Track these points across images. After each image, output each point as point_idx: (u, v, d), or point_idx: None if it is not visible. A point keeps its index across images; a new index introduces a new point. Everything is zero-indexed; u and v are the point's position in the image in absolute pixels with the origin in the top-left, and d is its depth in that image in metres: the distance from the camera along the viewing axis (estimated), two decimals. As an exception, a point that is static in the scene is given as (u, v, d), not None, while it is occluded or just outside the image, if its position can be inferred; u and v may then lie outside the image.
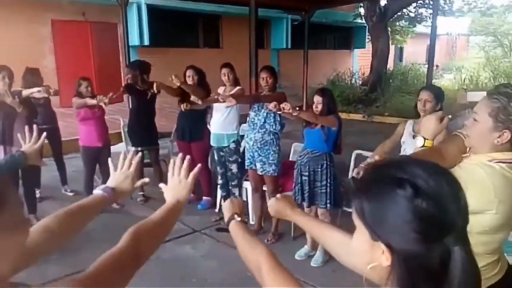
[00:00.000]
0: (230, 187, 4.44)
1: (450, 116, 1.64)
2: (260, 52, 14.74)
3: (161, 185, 1.26)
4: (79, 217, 1.10)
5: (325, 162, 3.40)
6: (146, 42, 10.93)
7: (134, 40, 10.47)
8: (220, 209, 4.63)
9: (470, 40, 24.59)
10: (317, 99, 3.39)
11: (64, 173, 5.29)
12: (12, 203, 0.75)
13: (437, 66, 21.36)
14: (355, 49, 18.62)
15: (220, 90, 4.35)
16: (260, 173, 3.85)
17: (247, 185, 4.35)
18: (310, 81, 10.03)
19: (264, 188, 4.06)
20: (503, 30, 19.68)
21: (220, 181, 4.52)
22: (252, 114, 3.94)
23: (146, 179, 1.35)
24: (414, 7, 14.76)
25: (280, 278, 0.92)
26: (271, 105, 3.38)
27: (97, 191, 1.18)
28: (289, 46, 14.59)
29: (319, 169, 3.41)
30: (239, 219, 1.20)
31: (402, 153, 2.99)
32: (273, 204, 1.37)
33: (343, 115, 10.58)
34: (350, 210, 3.06)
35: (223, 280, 3.34)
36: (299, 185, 3.52)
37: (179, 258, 3.68)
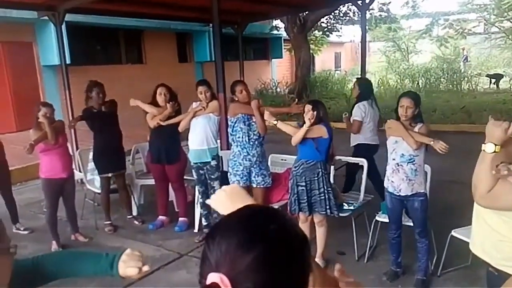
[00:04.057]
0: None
1: None
2: (184, 65, 14.62)
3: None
4: None
5: (320, 170, 3.50)
6: (68, 60, 10.22)
7: (54, 59, 9.80)
8: (200, 228, 4.51)
9: (371, 46, 26.78)
10: (308, 107, 3.50)
11: (15, 209, 4.76)
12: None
13: (345, 72, 23.00)
14: (272, 59, 19.28)
15: (194, 105, 4.29)
16: (260, 186, 3.85)
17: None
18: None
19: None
20: (399, 36, 21.88)
21: (201, 200, 4.41)
22: (244, 129, 3.87)
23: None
24: (326, 18, 15.74)
25: None
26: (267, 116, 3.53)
27: None
28: (213, 59, 14.66)
29: (316, 178, 3.51)
30: None
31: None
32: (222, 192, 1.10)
33: (278, 124, 10.90)
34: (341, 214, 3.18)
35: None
36: (295, 195, 3.57)
37: (180, 283, 3.53)
